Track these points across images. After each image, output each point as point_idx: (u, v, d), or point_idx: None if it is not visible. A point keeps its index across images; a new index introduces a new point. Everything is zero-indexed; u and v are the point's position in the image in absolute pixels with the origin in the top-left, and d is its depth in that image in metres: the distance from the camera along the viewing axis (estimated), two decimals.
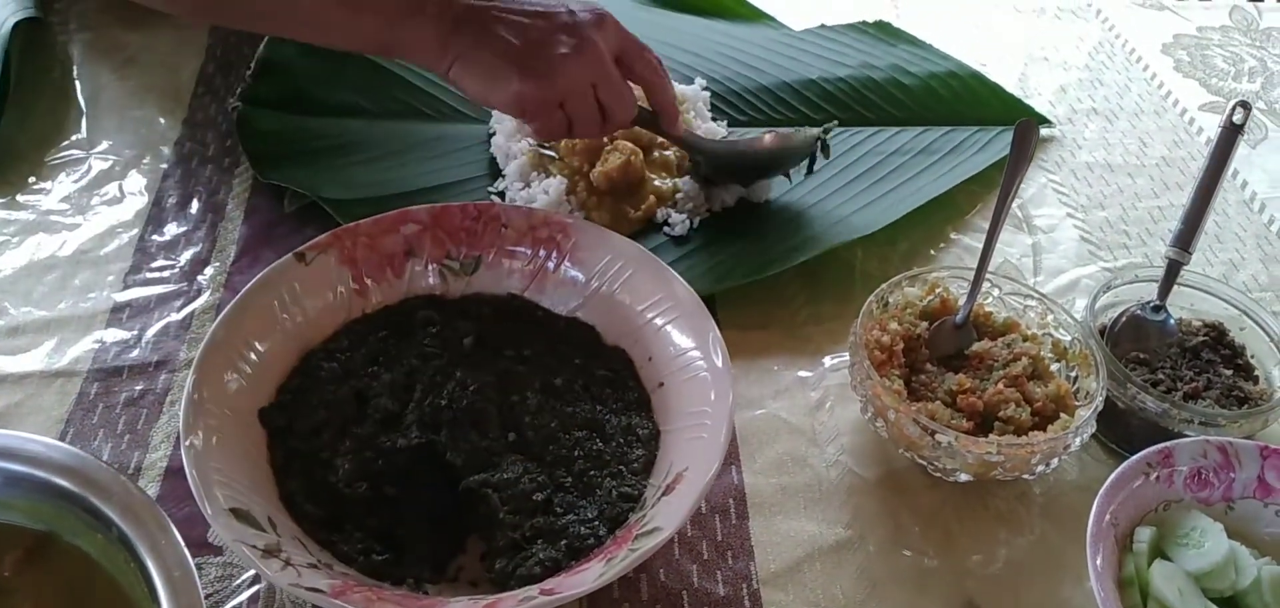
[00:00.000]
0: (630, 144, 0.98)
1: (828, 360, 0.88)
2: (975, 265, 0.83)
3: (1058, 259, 0.99)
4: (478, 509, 0.69)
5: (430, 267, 0.82)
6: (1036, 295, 0.84)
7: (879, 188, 1.03)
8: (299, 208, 0.96)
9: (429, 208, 0.83)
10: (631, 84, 0.91)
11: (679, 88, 1.03)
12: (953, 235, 1.00)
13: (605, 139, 0.98)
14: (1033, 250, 1.00)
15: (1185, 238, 0.86)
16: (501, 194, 0.99)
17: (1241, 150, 1.11)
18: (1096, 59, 1.27)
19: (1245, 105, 0.86)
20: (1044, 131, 1.14)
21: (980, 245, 0.83)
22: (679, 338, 0.78)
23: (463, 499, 0.69)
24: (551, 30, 0.85)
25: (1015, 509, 0.78)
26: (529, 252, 0.83)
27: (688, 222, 0.98)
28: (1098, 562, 0.66)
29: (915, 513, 0.77)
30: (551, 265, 0.83)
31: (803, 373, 0.87)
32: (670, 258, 0.93)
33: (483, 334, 0.79)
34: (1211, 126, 1.17)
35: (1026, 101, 1.17)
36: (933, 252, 0.99)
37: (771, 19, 1.25)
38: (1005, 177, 0.82)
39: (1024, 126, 0.83)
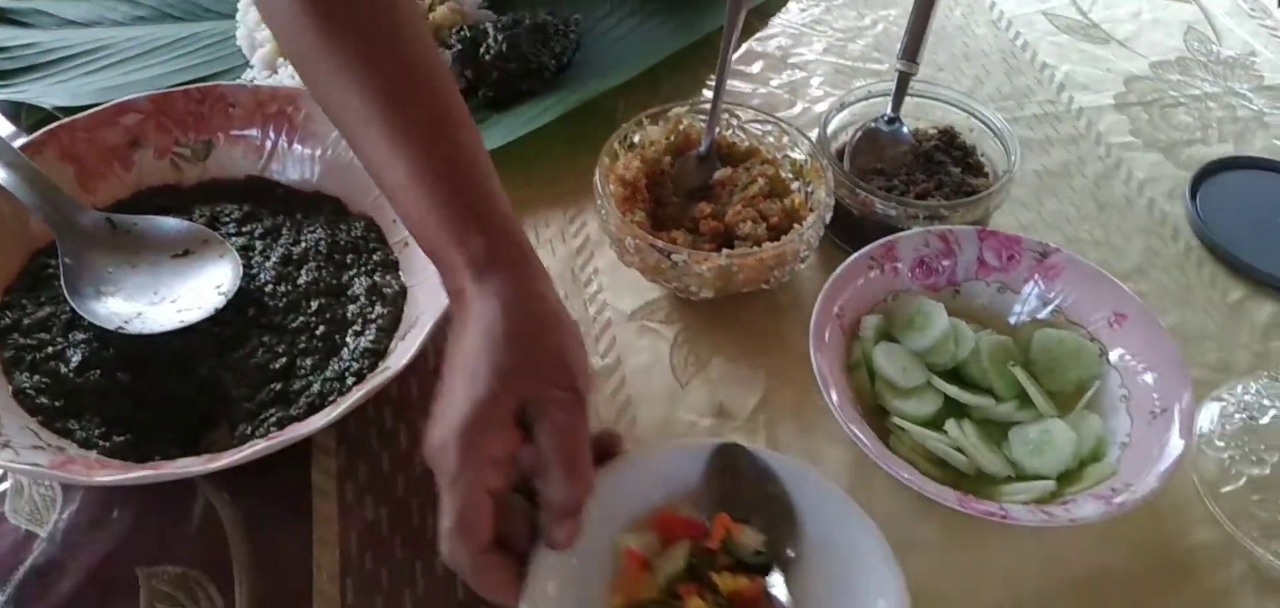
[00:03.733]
0: None
1: (583, 205, 0.89)
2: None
3: (814, 92, 1.02)
4: (217, 389, 0.68)
5: (160, 156, 0.80)
6: (773, 120, 0.86)
7: (638, 42, 1.04)
8: (37, 120, 0.92)
9: (150, 95, 0.81)
10: None
11: None
12: (709, 77, 1.02)
13: None
14: (789, 87, 1.02)
15: (911, 49, 0.89)
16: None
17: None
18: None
19: None
20: None
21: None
22: None
23: (203, 384, 0.68)
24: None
25: (762, 320, 0.81)
26: (259, 132, 0.82)
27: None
28: (819, 357, 0.69)
29: (669, 338, 0.79)
30: (285, 142, 0.81)
31: (565, 224, 0.88)
32: None
33: (217, 214, 0.78)
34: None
35: None
36: (690, 94, 1.00)
37: None
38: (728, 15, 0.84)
39: None
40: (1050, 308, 0.76)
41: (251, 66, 0.98)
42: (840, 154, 0.89)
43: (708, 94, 0.99)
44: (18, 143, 0.76)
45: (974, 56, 1.08)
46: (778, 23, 1.12)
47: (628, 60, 1.01)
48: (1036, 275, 0.76)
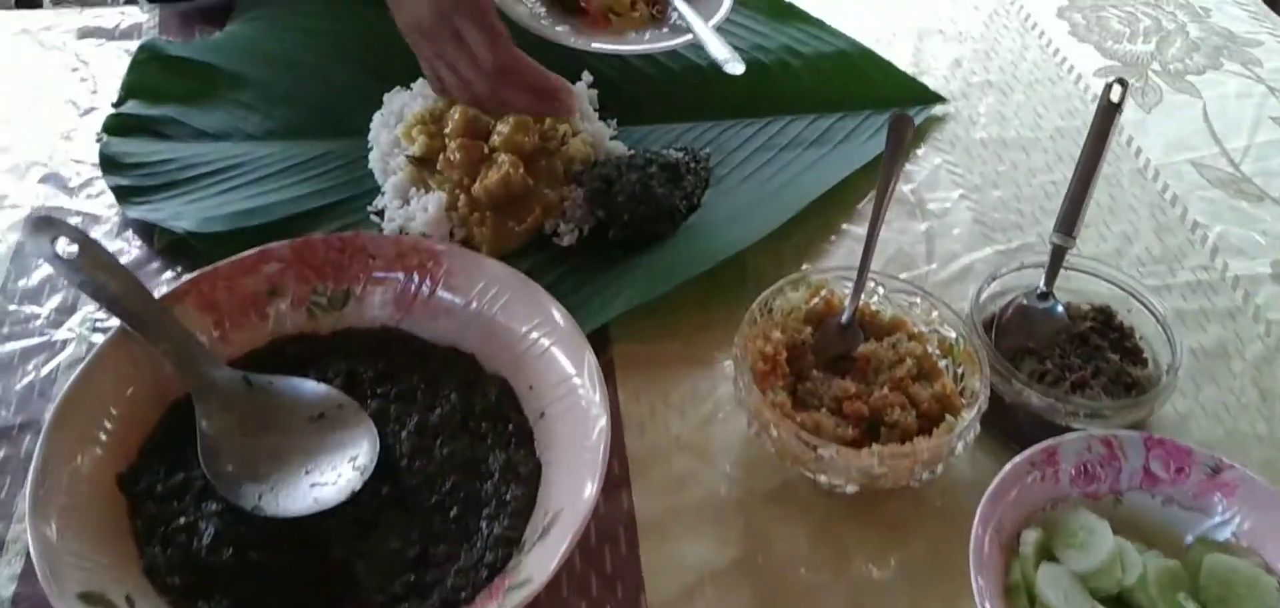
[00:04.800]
0: (512, 155, 0.95)
1: (720, 368, 0.86)
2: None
3: (951, 244, 0.98)
4: (348, 574, 0.66)
5: (298, 306, 0.79)
6: (920, 292, 0.83)
7: (771, 185, 1.01)
8: (170, 243, 0.92)
9: (290, 243, 0.80)
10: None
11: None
12: (844, 227, 0.99)
13: (486, 148, 0.96)
14: (926, 237, 0.99)
15: (1068, 222, 0.85)
16: (381, 213, 0.96)
17: (1135, 116, 1.12)
18: (992, 28, 1.26)
19: (1123, 82, 0.86)
20: (938, 109, 1.13)
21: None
22: (559, 364, 0.76)
23: (334, 567, 0.66)
24: None
25: (907, 516, 0.77)
26: (401, 278, 0.81)
27: (576, 231, 0.95)
28: (980, 580, 0.65)
29: (807, 527, 0.76)
30: (424, 292, 0.80)
31: (696, 384, 0.85)
32: (558, 273, 0.91)
33: (354, 372, 0.77)
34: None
35: (920, 79, 1.16)
36: (825, 245, 0.97)
37: None
38: (882, 173, 0.81)
39: (899, 121, 0.81)
40: (1223, 531, 0.71)
41: (382, 194, 0.97)
42: (988, 324, 0.85)
43: (841, 244, 0.96)
44: (159, 292, 0.75)
45: (1120, 210, 1.03)
46: (908, 163, 1.08)
47: (760, 203, 0.99)
48: (1208, 493, 0.72)
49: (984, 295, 0.84)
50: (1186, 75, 1.21)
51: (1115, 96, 0.85)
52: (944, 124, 1.12)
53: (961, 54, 1.21)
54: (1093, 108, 1.09)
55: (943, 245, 0.98)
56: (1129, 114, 1.13)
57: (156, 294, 0.76)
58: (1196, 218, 1.02)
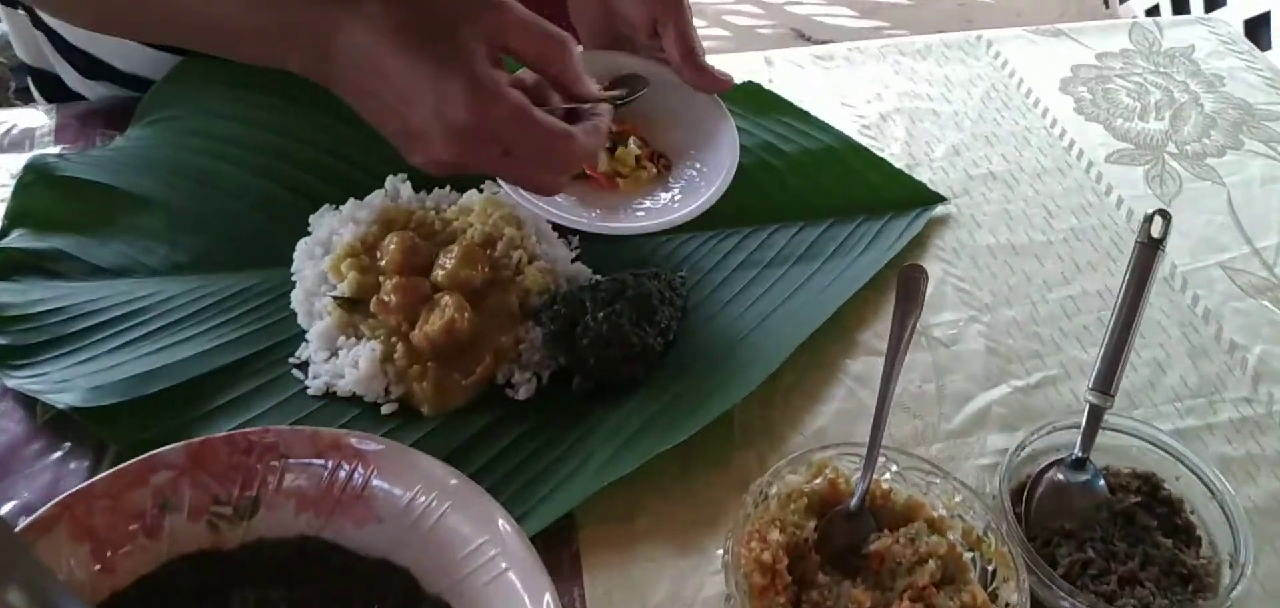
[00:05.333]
0: (457, 295, 0.82)
1: (707, 556, 0.73)
2: (866, 439, 0.70)
3: (963, 382, 0.86)
4: None
5: (196, 517, 0.65)
6: (940, 472, 0.71)
7: (754, 311, 0.89)
8: (56, 416, 0.78)
9: (186, 446, 0.66)
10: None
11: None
12: (845, 363, 0.86)
13: (429, 284, 0.83)
14: (935, 371, 0.87)
15: (1106, 379, 0.74)
16: (304, 365, 0.82)
17: (1153, 205, 1.00)
18: (990, 107, 1.15)
19: (1164, 215, 0.74)
20: (939, 210, 1.01)
21: (874, 372, 0.70)
22: (516, 595, 0.62)
23: None
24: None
25: None
26: (324, 474, 0.67)
27: (534, 380, 0.82)
28: None
29: None
30: (351, 492, 0.67)
31: (680, 581, 0.72)
32: (513, 436, 0.79)
33: (266, 599, 0.63)
34: (1121, 183, 1.05)
35: (916, 171, 1.04)
36: (820, 387, 0.85)
37: None
38: (892, 332, 0.69)
39: (910, 276, 0.70)
40: None
41: (306, 341, 0.83)
42: (1017, 494, 0.73)
43: (839, 385, 0.83)
44: (21, 523, 0.62)
45: (1150, 329, 0.91)
46: None
47: (744, 339, 0.86)
48: None
49: (1012, 479, 0.72)
50: (1206, 158, 1.10)
51: (1157, 231, 0.74)
52: (946, 227, 1.00)
53: (959, 140, 1.09)
54: (1107, 203, 0.99)
55: (953, 384, 0.86)
56: (1147, 206, 1.01)
57: (20, 521, 0.62)
58: (1233, 337, 0.91)
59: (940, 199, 1.01)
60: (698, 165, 0.94)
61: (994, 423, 0.83)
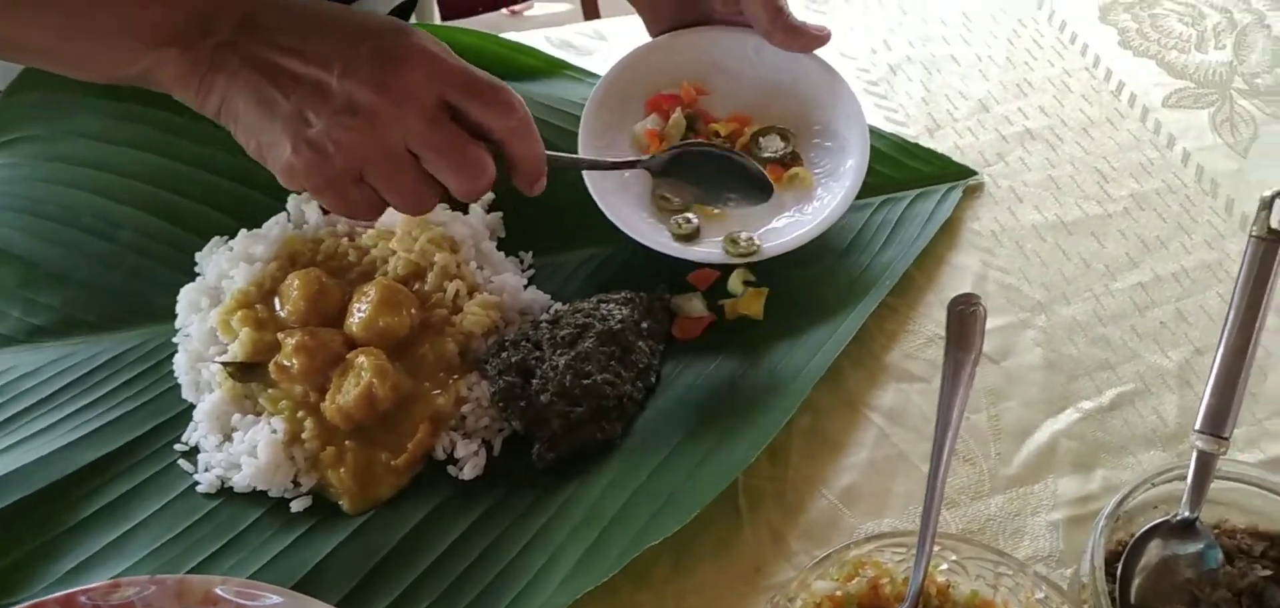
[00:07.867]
0: (376, 354, 0.64)
1: None
2: (916, 524, 0.53)
3: (1021, 409, 0.69)
4: None
5: None
6: (1013, 564, 0.54)
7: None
8: None
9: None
10: None
11: None
12: (871, 396, 0.69)
13: (345, 345, 0.65)
14: (986, 397, 0.69)
15: (1218, 417, 0.56)
16: (193, 452, 0.65)
17: (1226, 162, 0.84)
18: (1019, 47, 0.96)
19: None
20: (970, 183, 0.83)
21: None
22: None
23: None
24: (339, 71, 0.58)
25: None
26: None
27: (482, 452, 0.65)
28: None
29: None
30: None
31: None
32: (460, 531, 0.62)
33: None
34: (1184, 132, 0.87)
35: (937, 137, 0.86)
36: (840, 436, 0.68)
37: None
38: (943, 389, 0.53)
39: (963, 313, 0.53)
40: None
41: (194, 423, 0.66)
42: (1110, 563, 0.57)
43: (865, 430, 0.66)
44: None
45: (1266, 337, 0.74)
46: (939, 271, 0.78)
47: (741, 378, 0.69)
48: None
49: (1099, 538, 0.55)
50: None
51: (1276, 221, 0.56)
52: (980, 205, 0.82)
53: (986, 93, 0.91)
54: (1170, 158, 0.83)
55: (1009, 412, 0.69)
56: (1218, 160, 0.85)
57: None
58: None
59: (970, 172, 0.83)
60: (826, 142, 0.79)
61: (1064, 461, 0.66)
